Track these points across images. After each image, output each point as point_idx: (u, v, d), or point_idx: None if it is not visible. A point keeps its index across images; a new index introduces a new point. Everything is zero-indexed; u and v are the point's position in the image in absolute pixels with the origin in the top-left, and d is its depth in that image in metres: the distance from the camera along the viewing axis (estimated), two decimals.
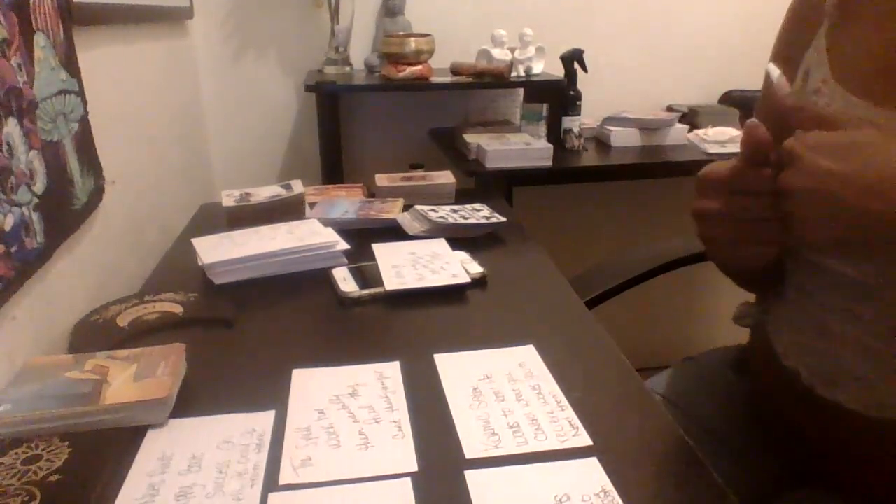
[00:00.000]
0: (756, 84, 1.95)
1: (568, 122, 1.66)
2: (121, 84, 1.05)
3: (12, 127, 0.65)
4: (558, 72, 1.68)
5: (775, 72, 0.54)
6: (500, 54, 1.63)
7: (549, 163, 1.51)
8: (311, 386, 0.66)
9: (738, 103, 1.83)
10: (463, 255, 0.95)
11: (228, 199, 1.08)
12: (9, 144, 0.64)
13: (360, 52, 1.74)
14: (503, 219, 1.07)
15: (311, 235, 0.96)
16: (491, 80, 1.60)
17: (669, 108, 1.87)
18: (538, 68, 1.68)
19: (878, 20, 0.60)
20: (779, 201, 0.53)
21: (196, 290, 0.86)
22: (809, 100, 0.63)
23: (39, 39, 0.72)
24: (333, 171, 1.70)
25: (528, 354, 0.71)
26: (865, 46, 0.61)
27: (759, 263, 0.59)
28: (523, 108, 1.69)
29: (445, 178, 1.23)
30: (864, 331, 0.61)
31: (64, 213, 0.77)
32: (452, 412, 0.61)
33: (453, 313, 0.83)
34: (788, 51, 0.70)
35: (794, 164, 0.50)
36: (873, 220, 0.48)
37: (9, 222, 0.63)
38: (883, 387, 0.61)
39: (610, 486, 0.52)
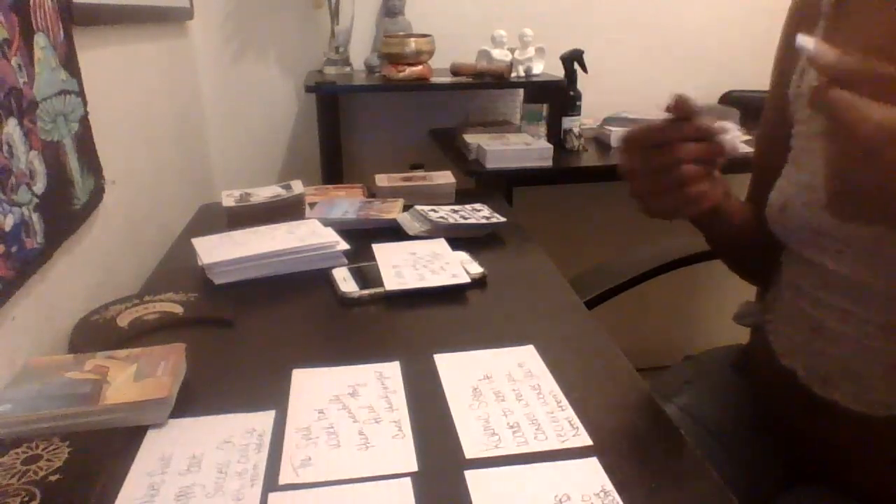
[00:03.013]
0: (756, 84, 1.94)
1: (568, 122, 1.66)
2: (121, 84, 1.05)
3: (12, 127, 0.65)
4: (558, 72, 1.68)
5: (810, 41, 0.45)
6: (500, 55, 1.63)
7: (549, 163, 1.51)
8: (311, 386, 0.66)
9: (738, 103, 1.83)
10: (463, 255, 0.95)
11: (228, 199, 1.08)
12: (9, 145, 0.64)
13: (360, 52, 1.74)
14: (503, 219, 1.07)
15: (311, 235, 0.96)
16: (491, 80, 1.60)
17: None
18: (538, 69, 1.68)
19: (872, 18, 0.60)
20: (693, 149, 0.55)
21: (196, 290, 0.86)
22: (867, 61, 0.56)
23: (39, 40, 0.72)
24: (333, 171, 1.70)
25: (528, 354, 0.71)
26: (859, 44, 0.61)
27: (696, 210, 0.59)
28: (523, 109, 1.69)
29: (445, 178, 1.24)
30: (858, 329, 0.62)
31: (64, 213, 0.77)
32: (452, 412, 0.61)
33: (453, 313, 0.83)
34: (790, 50, 0.70)
35: (847, 138, 0.43)
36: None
37: (9, 222, 0.63)
38: (878, 385, 0.61)
39: (610, 486, 0.52)
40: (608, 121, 1.74)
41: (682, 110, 0.56)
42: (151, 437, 0.58)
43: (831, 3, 0.64)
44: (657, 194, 0.59)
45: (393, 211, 1.11)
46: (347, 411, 0.62)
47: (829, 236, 0.62)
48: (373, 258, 0.94)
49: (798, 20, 0.71)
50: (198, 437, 0.58)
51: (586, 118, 1.73)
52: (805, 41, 0.45)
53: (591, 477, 0.53)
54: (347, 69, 1.67)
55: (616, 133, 1.69)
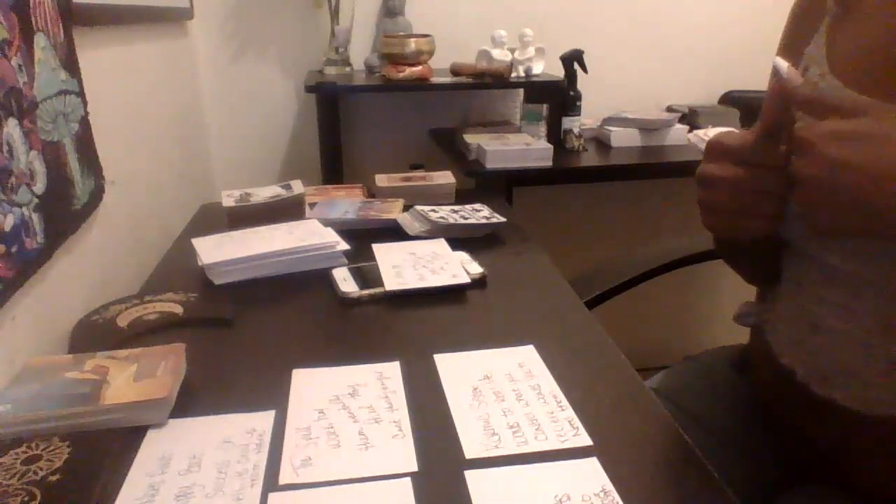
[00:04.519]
0: (756, 84, 1.95)
1: (568, 122, 1.66)
2: (121, 84, 1.05)
3: (12, 127, 0.65)
4: (558, 72, 1.68)
5: (783, 64, 0.52)
6: (500, 55, 1.63)
7: (549, 163, 1.51)
8: (311, 386, 0.66)
9: (738, 104, 1.83)
10: (463, 256, 0.95)
11: (228, 199, 1.08)
12: (9, 145, 0.64)
13: (360, 52, 1.74)
14: (503, 219, 1.07)
15: (310, 235, 0.96)
16: (491, 80, 1.60)
17: (669, 109, 1.87)
18: (538, 69, 1.68)
19: (877, 14, 0.60)
20: (784, 178, 0.53)
21: (196, 290, 0.86)
22: (823, 90, 0.62)
23: (39, 40, 0.72)
24: (333, 171, 1.70)
25: (528, 354, 0.71)
26: (864, 40, 0.61)
27: (756, 235, 0.58)
28: (523, 109, 1.69)
29: (445, 178, 1.24)
30: (858, 326, 0.62)
31: (64, 213, 0.77)
32: (452, 412, 0.61)
33: (453, 313, 0.83)
34: (792, 47, 0.70)
35: (806, 152, 0.50)
36: (884, 214, 0.47)
37: (9, 222, 0.63)
38: (876, 383, 0.61)
39: (610, 486, 0.52)
40: (608, 121, 1.74)
41: (779, 116, 0.54)
42: (151, 437, 0.58)
43: (836, 0, 0.64)
44: (739, 214, 0.56)
45: (393, 211, 1.11)
46: (347, 411, 0.62)
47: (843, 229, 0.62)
48: (373, 258, 0.94)
49: (802, 17, 0.71)
50: (198, 437, 0.58)
51: (586, 118, 1.73)
52: (780, 63, 0.52)
53: (591, 477, 0.53)
54: (347, 69, 1.67)
55: (616, 133, 1.69)
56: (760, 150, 0.54)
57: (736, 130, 0.57)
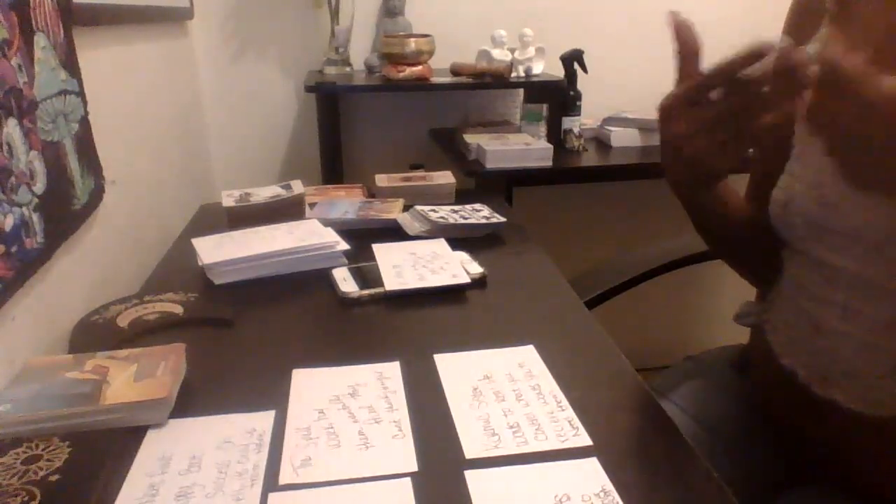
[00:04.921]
0: None
1: (568, 122, 1.66)
2: (121, 84, 1.05)
3: (12, 127, 0.65)
4: (558, 72, 1.68)
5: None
6: (500, 55, 1.63)
7: (549, 163, 1.51)
8: (311, 386, 0.66)
9: None
10: (463, 256, 0.95)
11: (228, 199, 1.08)
12: (9, 145, 0.64)
13: (360, 52, 1.74)
14: (503, 219, 1.07)
15: (311, 235, 0.96)
16: (491, 80, 1.60)
17: None
18: (538, 69, 1.68)
19: (878, 10, 0.60)
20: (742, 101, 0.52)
21: (196, 290, 0.86)
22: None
23: (39, 40, 0.72)
24: (333, 171, 1.70)
25: (528, 354, 0.71)
26: (865, 37, 0.61)
27: (726, 168, 0.57)
28: (523, 109, 1.69)
29: (445, 178, 1.23)
30: (859, 327, 0.62)
31: (64, 213, 0.77)
32: (452, 412, 0.61)
33: (453, 313, 0.83)
34: None
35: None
36: None
37: (9, 222, 0.63)
38: (878, 384, 0.61)
39: (610, 486, 0.52)
40: (608, 121, 1.74)
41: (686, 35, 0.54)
42: (151, 437, 0.58)
43: (835, 0, 0.64)
44: (722, 145, 0.55)
45: (393, 211, 1.11)
46: (347, 411, 0.62)
47: (835, 232, 0.62)
48: (373, 258, 0.94)
49: (802, 16, 0.71)
50: (198, 437, 0.58)
51: (586, 118, 1.73)
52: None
53: (591, 477, 0.53)
54: (347, 69, 1.67)
55: (616, 133, 1.69)
56: (702, 87, 0.55)
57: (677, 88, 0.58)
